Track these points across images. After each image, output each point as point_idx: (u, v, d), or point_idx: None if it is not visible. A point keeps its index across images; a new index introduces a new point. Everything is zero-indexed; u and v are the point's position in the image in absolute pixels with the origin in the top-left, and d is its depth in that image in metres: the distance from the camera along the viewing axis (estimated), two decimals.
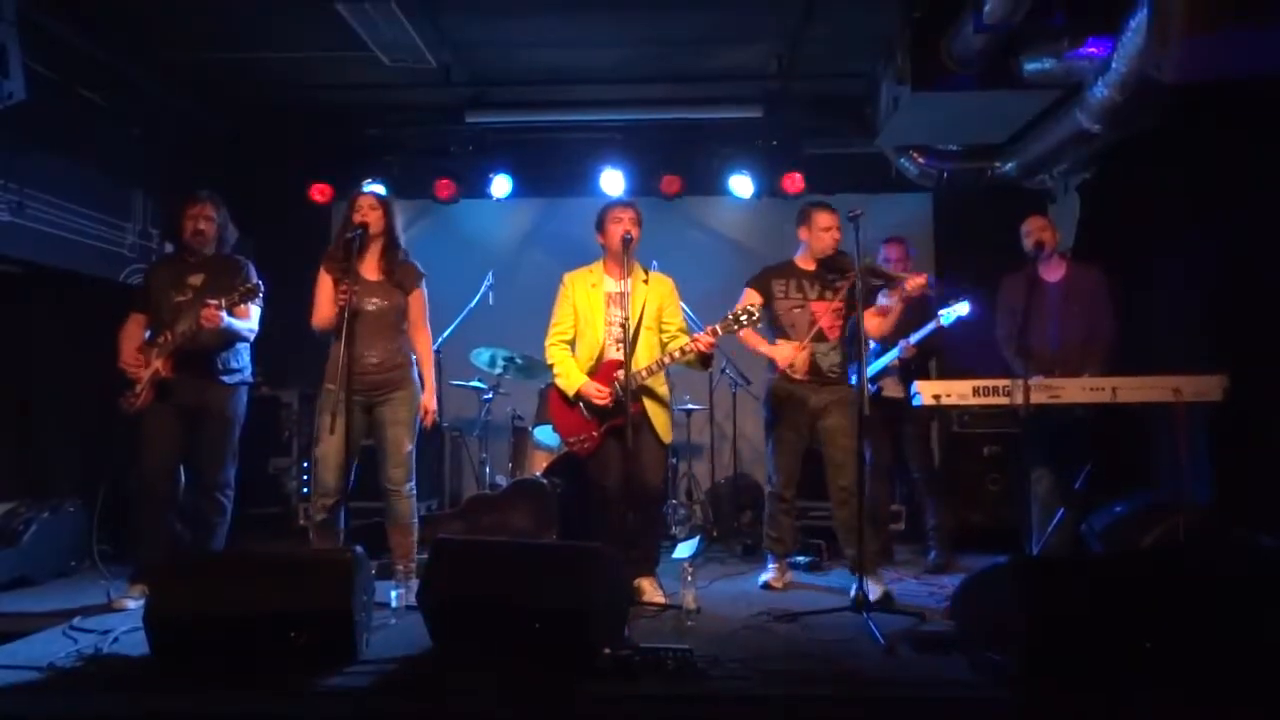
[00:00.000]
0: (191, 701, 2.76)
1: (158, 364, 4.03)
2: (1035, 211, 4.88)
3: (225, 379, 4.18)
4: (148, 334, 4.16)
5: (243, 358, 4.28)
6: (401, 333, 4.06)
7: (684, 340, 3.99)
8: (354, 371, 3.77)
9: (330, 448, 3.82)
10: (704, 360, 3.98)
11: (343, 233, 3.95)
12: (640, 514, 4.00)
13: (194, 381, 4.09)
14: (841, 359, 4.23)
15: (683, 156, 6.48)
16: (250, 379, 4.36)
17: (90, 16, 4.75)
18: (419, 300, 4.11)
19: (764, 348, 4.26)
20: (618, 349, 3.99)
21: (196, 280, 4.13)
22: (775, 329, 4.30)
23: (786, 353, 4.12)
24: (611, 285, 4.10)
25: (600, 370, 4.03)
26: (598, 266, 4.17)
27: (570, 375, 4.05)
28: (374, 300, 3.95)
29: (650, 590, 4.01)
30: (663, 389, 4.13)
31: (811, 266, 4.29)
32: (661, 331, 4.12)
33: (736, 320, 3.86)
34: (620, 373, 3.90)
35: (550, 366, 4.15)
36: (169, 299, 4.11)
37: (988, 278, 4.83)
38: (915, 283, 4.07)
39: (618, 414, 3.90)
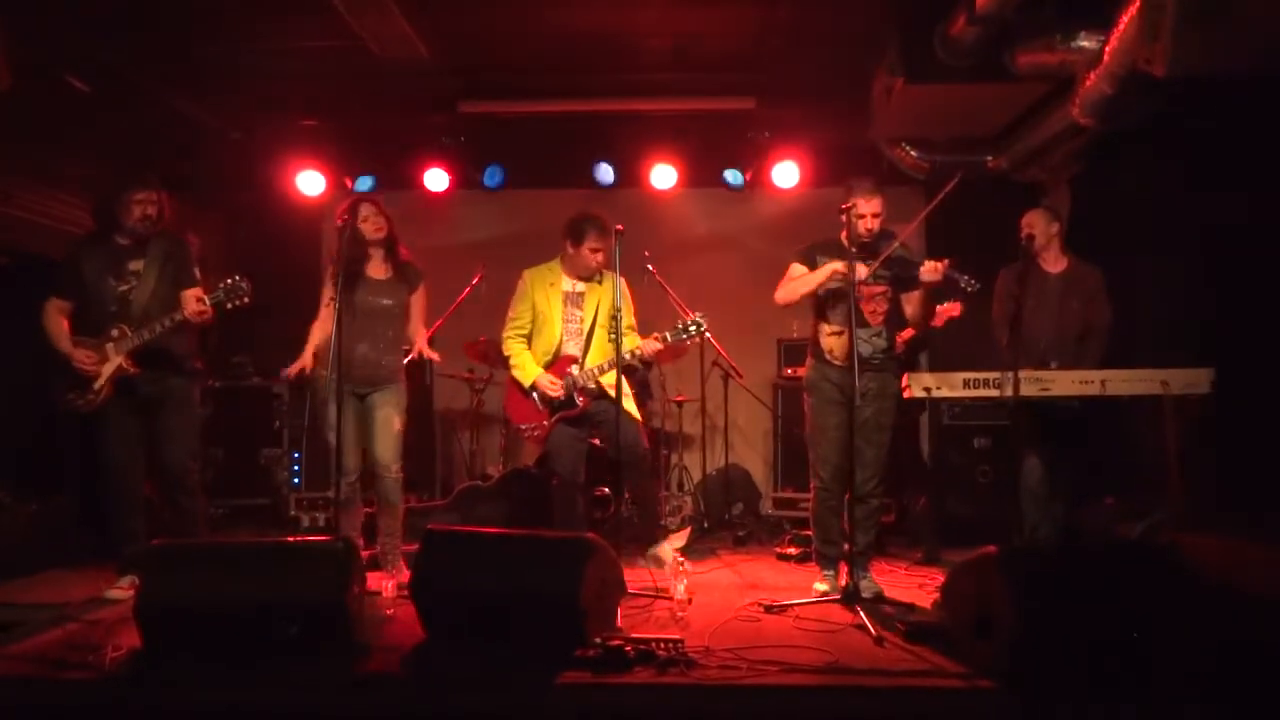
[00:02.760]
0: (182, 693, 2.76)
1: (120, 360, 3.88)
2: (1028, 204, 4.88)
3: (182, 367, 4.11)
4: (71, 322, 3.99)
5: (192, 344, 4.20)
6: (402, 330, 4.21)
7: (635, 338, 4.21)
8: (355, 363, 4.01)
9: (346, 431, 4.02)
10: (645, 363, 4.25)
11: (342, 239, 4.01)
12: (635, 484, 4.22)
13: (152, 374, 3.99)
14: (887, 345, 4.02)
15: (675, 148, 6.47)
16: (199, 365, 4.28)
17: (77, 5, 4.70)
18: (421, 298, 4.28)
19: (820, 272, 3.89)
20: (574, 345, 4.26)
21: (137, 265, 3.98)
22: (816, 310, 4.10)
23: (838, 264, 3.83)
24: (568, 286, 4.32)
25: (556, 364, 4.24)
26: (555, 265, 4.34)
27: (526, 368, 4.26)
28: (386, 299, 4.12)
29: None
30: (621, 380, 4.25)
31: (853, 248, 3.93)
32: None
33: (685, 330, 4.06)
34: (574, 367, 4.21)
35: (507, 358, 4.35)
36: (108, 287, 3.95)
37: (979, 270, 4.83)
38: (929, 268, 3.80)
39: (569, 405, 4.19)
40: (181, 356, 4.11)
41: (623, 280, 4.31)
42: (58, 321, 3.97)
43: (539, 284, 4.31)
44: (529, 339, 4.33)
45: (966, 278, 3.76)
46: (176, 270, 3.98)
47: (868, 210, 3.88)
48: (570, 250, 4.27)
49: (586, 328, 4.25)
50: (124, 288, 3.96)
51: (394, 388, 4.14)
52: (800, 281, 3.96)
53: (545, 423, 4.22)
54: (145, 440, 4.07)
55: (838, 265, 3.82)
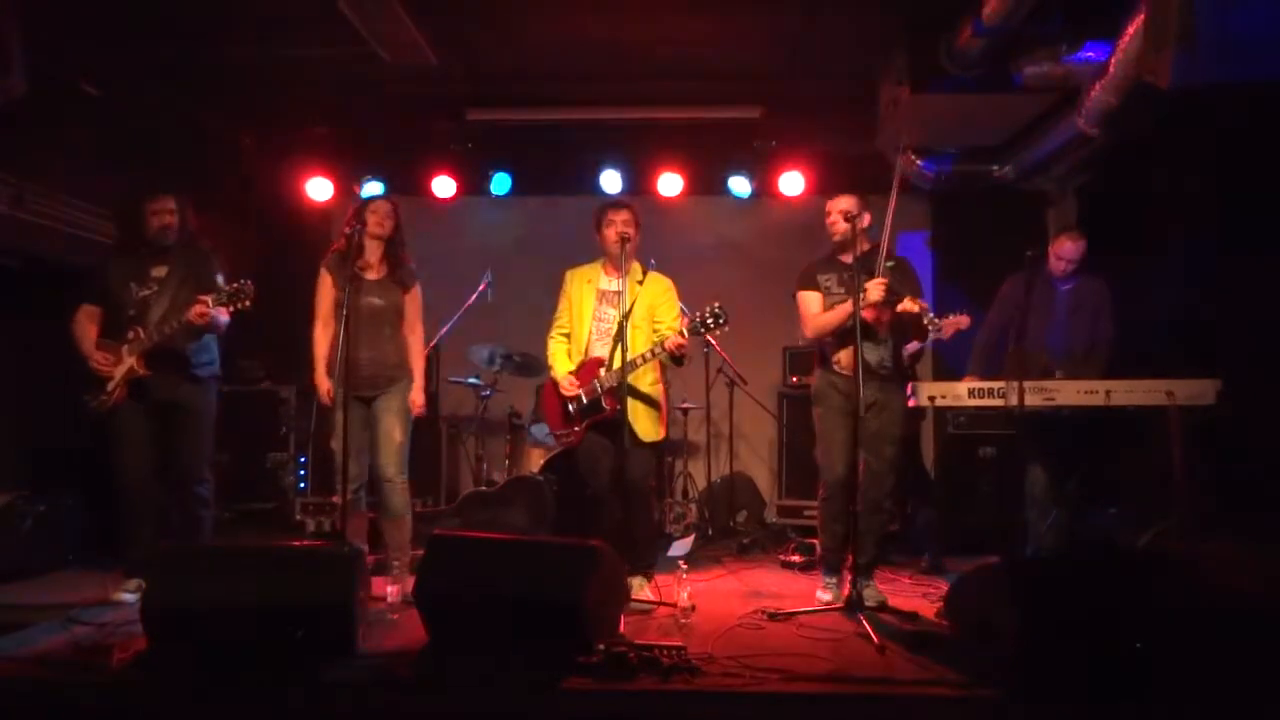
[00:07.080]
0: (188, 695, 2.78)
1: (131, 361, 3.94)
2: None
3: (197, 372, 4.12)
4: (99, 327, 4.06)
5: (211, 350, 4.23)
6: (399, 330, 4.12)
7: (669, 338, 4.01)
8: (359, 367, 3.89)
9: (349, 437, 3.91)
10: (675, 359, 4.00)
11: (348, 233, 3.97)
12: (626, 510, 4.06)
13: (166, 377, 4.02)
14: (894, 354, 4.03)
15: (682, 156, 6.49)
16: (219, 372, 4.29)
17: (90, 12, 4.74)
18: (415, 299, 4.19)
19: (841, 310, 3.91)
20: (603, 345, 4.09)
21: (160, 272, 4.04)
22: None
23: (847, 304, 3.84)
24: (605, 283, 4.18)
25: (584, 367, 4.11)
26: (598, 264, 4.23)
27: (555, 367, 4.18)
28: (374, 299, 4.02)
29: (637, 589, 3.97)
30: (652, 388, 4.12)
31: (848, 258, 4.00)
32: (654, 330, 4.11)
33: (703, 323, 3.87)
34: (602, 370, 4.03)
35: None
36: (130, 292, 4.02)
37: (984, 279, 4.84)
38: (907, 305, 3.83)
39: (596, 411, 4.04)
40: (199, 364, 4.12)
41: (666, 280, 4.21)
42: (84, 326, 4.06)
43: (576, 280, 4.21)
44: (570, 338, 4.23)
45: (932, 317, 3.86)
46: (199, 278, 4.00)
47: (834, 208, 3.99)
48: (599, 239, 4.17)
49: (615, 327, 4.03)
50: (145, 293, 4.02)
51: (397, 390, 4.05)
52: (827, 318, 3.98)
53: (577, 428, 4.11)
54: (158, 446, 4.09)
55: (847, 306, 3.84)
